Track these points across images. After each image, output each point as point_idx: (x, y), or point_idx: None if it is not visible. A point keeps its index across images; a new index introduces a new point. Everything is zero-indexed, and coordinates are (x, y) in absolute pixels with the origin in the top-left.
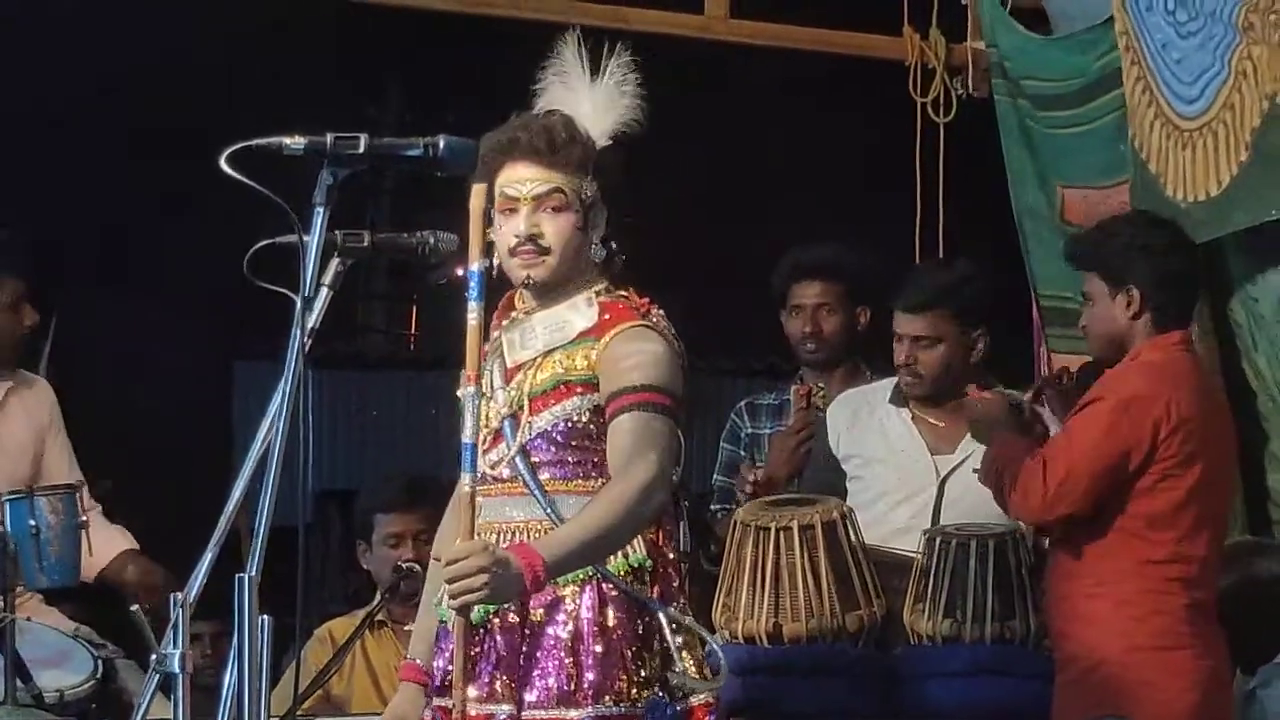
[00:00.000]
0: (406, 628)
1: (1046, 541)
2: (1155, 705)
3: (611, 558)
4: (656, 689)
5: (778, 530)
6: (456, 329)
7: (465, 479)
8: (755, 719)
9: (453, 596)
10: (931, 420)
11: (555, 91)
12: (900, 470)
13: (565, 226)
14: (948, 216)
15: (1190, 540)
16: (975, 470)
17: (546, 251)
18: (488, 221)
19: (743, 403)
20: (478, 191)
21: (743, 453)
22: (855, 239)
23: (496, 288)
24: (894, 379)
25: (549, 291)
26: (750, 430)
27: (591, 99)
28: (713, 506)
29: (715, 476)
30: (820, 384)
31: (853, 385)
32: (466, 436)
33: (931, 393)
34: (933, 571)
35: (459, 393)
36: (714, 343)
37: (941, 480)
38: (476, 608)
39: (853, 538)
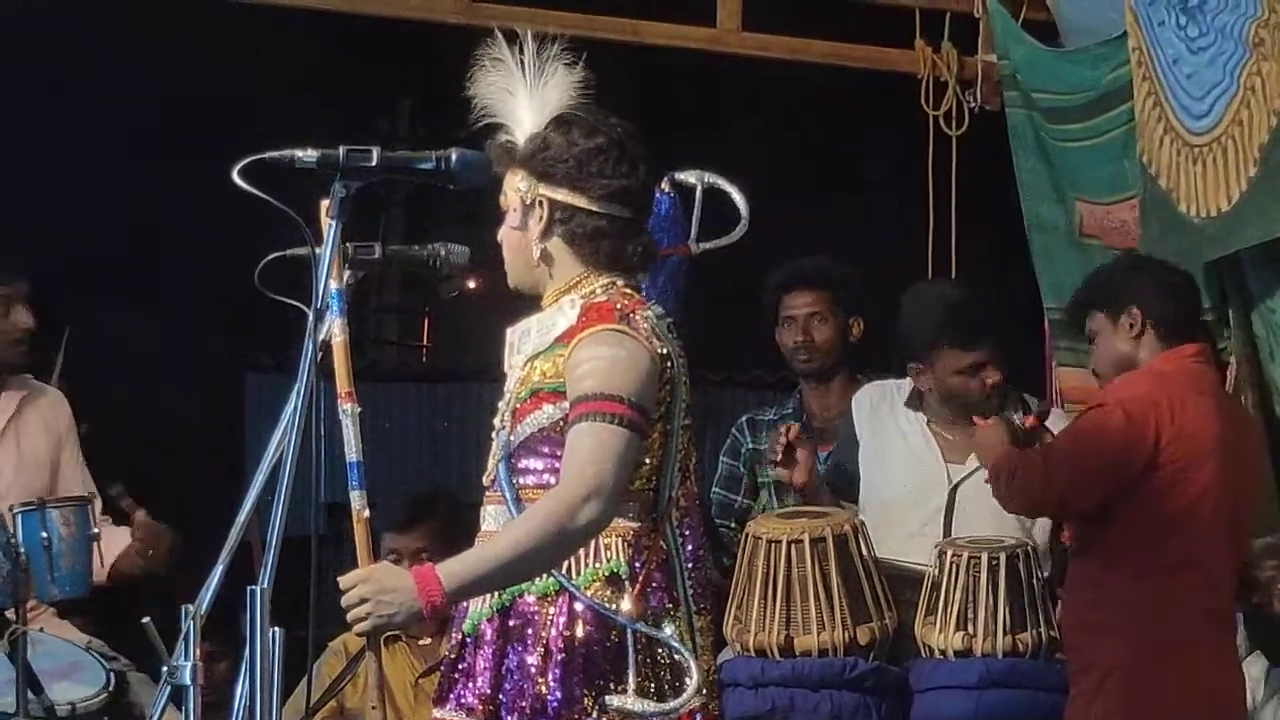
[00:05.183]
0: (420, 642)
1: (1063, 552)
2: (1167, 714)
3: (584, 565)
4: (595, 713)
5: (789, 543)
6: (469, 341)
7: (355, 498)
8: None
9: (350, 623)
10: (945, 430)
11: (490, 92)
12: (914, 474)
13: (505, 229)
14: (960, 229)
15: (1202, 545)
16: (987, 481)
17: (503, 258)
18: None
19: (744, 418)
20: (325, 208)
21: (742, 468)
22: (867, 251)
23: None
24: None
25: (538, 294)
26: (751, 446)
27: (528, 99)
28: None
29: (714, 489)
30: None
31: (851, 398)
32: (351, 455)
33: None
34: (944, 584)
35: (339, 412)
36: (724, 356)
37: (953, 488)
38: (467, 617)
39: (864, 550)
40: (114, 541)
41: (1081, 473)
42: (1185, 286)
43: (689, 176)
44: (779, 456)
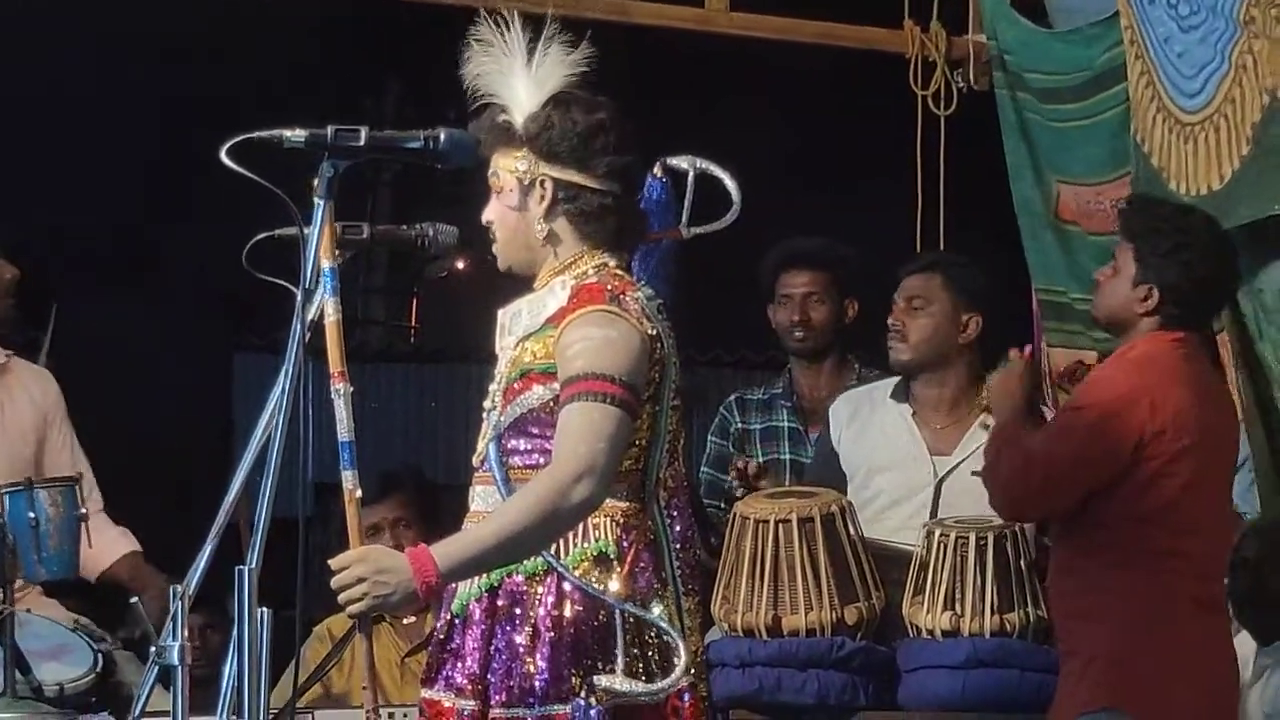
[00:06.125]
0: (405, 623)
1: (1047, 537)
2: (1155, 700)
3: (572, 545)
4: (583, 692)
5: (777, 523)
6: (457, 322)
7: (347, 478)
8: (754, 711)
9: (342, 605)
10: (931, 421)
11: (484, 73)
12: (899, 471)
13: (498, 209)
14: (948, 209)
15: (1189, 533)
16: (974, 473)
17: (494, 239)
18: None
19: (732, 397)
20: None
21: (732, 448)
22: (856, 231)
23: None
24: (896, 379)
25: (532, 275)
26: (740, 425)
27: (525, 79)
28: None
29: (702, 469)
30: (760, 460)
31: (841, 378)
32: (343, 435)
33: (914, 362)
34: (932, 564)
35: (332, 392)
36: (710, 336)
37: (939, 482)
38: (456, 598)
39: (852, 530)
40: (107, 541)
41: (1063, 482)
42: (1214, 278)
43: (681, 162)
44: (738, 492)
